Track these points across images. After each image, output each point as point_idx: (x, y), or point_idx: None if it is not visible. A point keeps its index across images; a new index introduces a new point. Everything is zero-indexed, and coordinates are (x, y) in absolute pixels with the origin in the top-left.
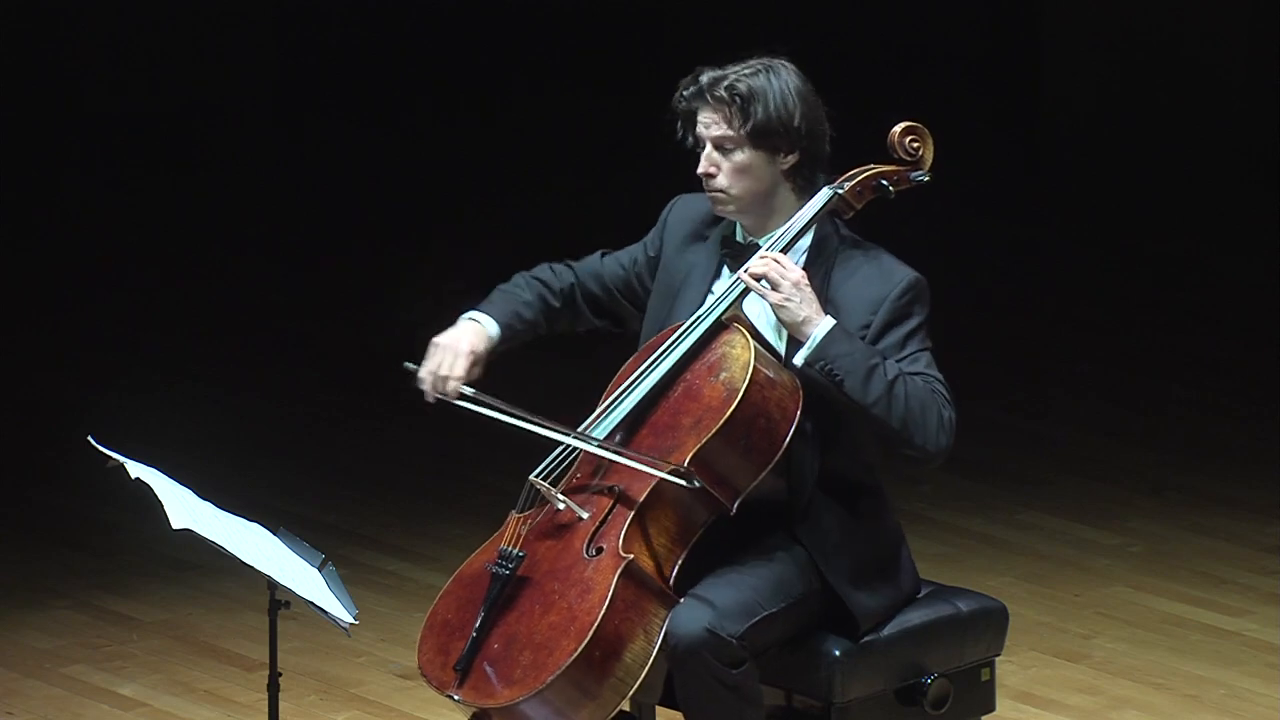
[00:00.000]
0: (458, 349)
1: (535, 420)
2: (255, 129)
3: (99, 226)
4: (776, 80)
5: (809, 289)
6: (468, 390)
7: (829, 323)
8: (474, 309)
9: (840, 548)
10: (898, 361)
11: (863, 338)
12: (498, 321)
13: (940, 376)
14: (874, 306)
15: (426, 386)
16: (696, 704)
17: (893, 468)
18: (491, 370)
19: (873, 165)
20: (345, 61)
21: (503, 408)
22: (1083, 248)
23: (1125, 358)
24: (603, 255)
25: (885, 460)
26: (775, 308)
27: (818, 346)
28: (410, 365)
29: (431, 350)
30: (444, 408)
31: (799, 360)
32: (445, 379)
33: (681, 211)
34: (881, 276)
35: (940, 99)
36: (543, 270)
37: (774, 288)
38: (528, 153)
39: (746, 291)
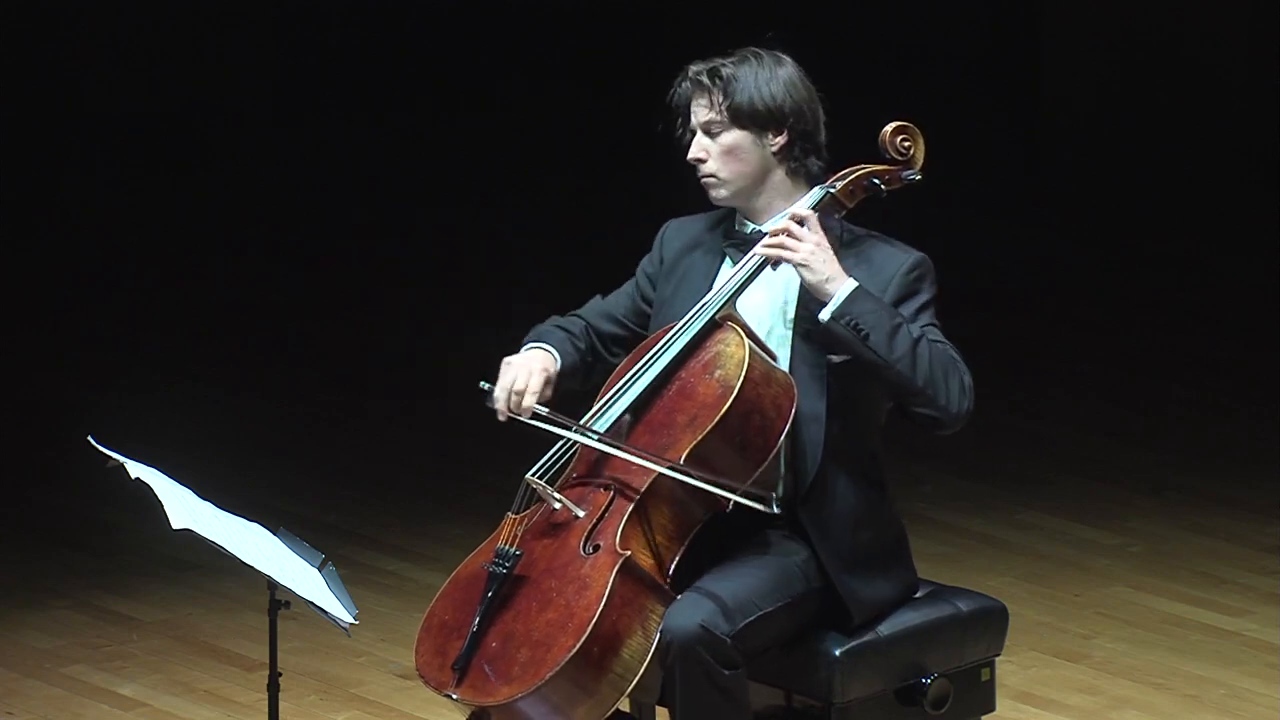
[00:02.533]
0: (531, 367)
1: (609, 441)
2: (255, 129)
3: (99, 226)
4: (759, 64)
5: (829, 250)
6: (542, 410)
7: (852, 282)
8: (527, 343)
9: (839, 532)
10: None
11: None
12: (557, 350)
13: (954, 346)
14: (883, 286)
15: (500, 404)
16: (685, 702)
17: (892, 468)
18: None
19: (864, 164)
20: (345, 61)
21: (577, 427)
22: (1083, 248)
23: (1125, 358)
24: (601, 297)
25: (887, 457)
26: (798, 268)
27: (844, 302)
28: (485, 385)
29: (505, 368)
30: (517, 426)
31: (825, 315)
32: (521, 395)
33: (676, 231)
34: (888, 258)
35: (940, 99)
36: (555, 320)
37: (795, 249)
38: (527, 153)
39: (747, 283)
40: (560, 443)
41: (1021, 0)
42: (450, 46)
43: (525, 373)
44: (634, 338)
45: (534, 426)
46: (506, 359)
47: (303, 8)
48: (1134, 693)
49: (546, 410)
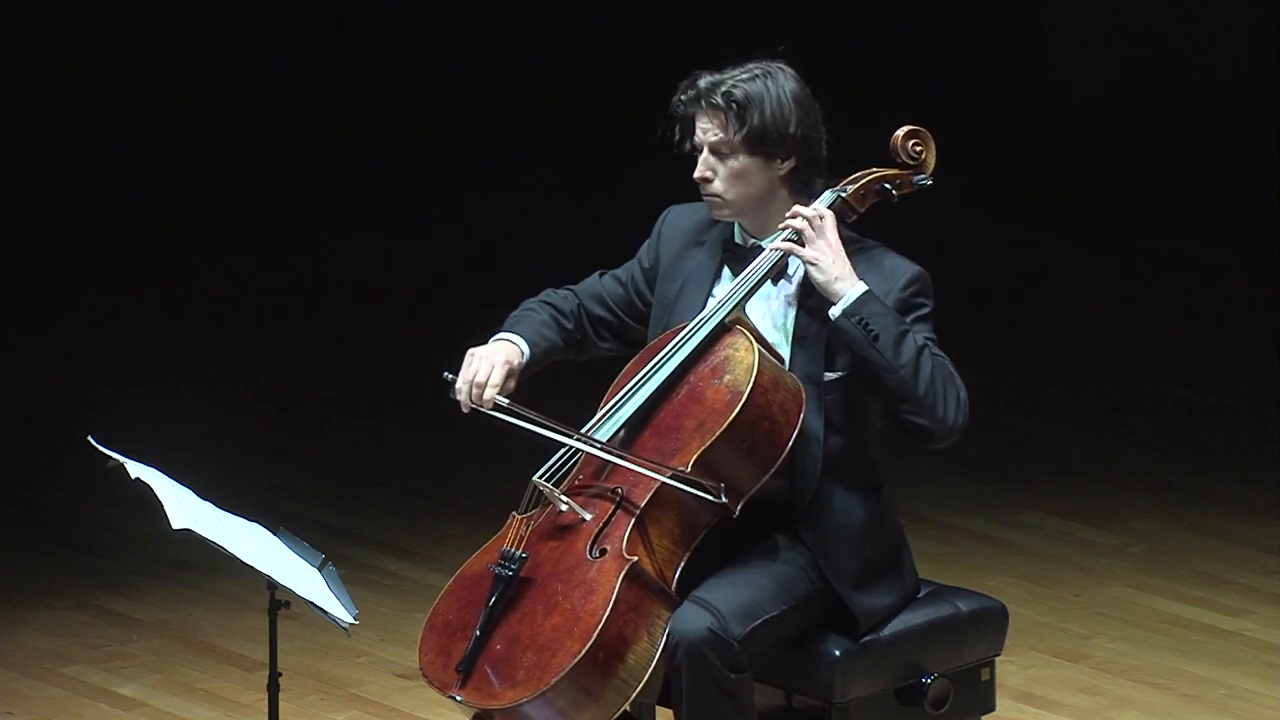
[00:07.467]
0: (494, 359)
1: (570, 433)
2: (255, 129)
3: (99, 226)
4: (773, 85)
5: (842, 251)
6: (503, 401)
7: (862, 285)
8: (500, 331)
9: (843, 547)
10: None
11: None
12: (527, 341)
13: (951, 361)
14: (881, 297)
15: (463, 396)
16: (690, 705)
17: (891, 469)
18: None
19: (876, 169)
20: (345, 61)
21: (538, 420)
22: (1083, 248)
23: (1124, 358)
24: (600, 275)
25: (883, 461)
26: (807, 264)
27: (855, 301)
28: (449, 376)
29: (468, 359)
30: (480, 419)
31: (835, 312)
32: (482, 387)
33: (675, 221)
34: (886, 273)
35: (940, 99)
36: (548, 294)
37: (808, 244)
38: (527, 152)
39: (750, 294)
40: (565, 448)
41: (1021, 0)
42: (450, 46)
43: (488, 365)
44: (622, 325)
45: (496, 418)
46: (470, 350)
47: (303, 7)
48: (1134, 693)
49: (508, 401)
